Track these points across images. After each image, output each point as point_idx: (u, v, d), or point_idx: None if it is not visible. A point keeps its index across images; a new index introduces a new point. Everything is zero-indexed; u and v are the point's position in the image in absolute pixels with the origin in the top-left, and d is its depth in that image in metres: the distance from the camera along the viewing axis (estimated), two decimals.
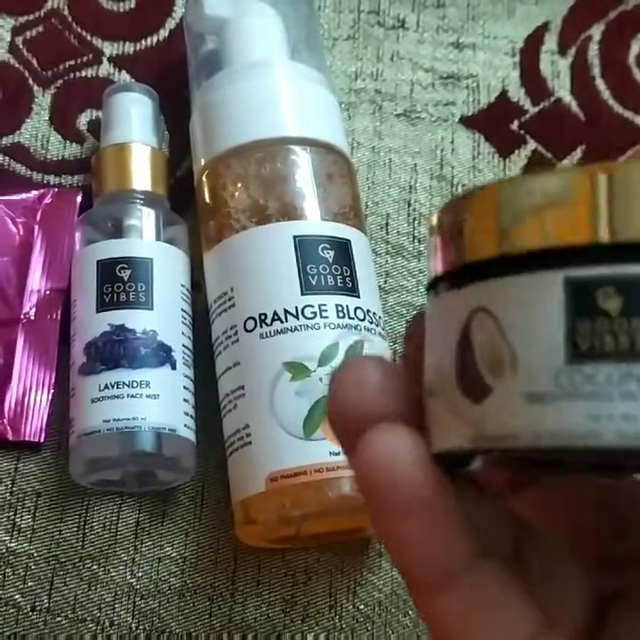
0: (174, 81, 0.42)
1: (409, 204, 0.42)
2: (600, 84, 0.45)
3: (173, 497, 0.36)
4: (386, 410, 0.18)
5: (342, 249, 0.35)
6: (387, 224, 0.41)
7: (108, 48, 0.43)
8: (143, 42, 0.44)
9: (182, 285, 0.37)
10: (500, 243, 0.17)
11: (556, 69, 0.45)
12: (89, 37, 0.44)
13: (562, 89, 0.45)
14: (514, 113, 0.44)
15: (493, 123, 0.44)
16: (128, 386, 0.34)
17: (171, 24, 0.44)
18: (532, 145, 0.43)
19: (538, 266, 0.17)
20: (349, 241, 0.35)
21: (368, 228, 0.41)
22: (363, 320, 0.34)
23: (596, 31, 0.46)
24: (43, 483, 0.36)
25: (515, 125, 0.44)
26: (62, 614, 0.35)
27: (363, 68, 0.45)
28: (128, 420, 0.33)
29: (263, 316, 0.33)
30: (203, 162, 0.37)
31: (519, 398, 0.17)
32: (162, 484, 0.36)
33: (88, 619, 0.35)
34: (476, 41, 0.45)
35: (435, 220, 0.19)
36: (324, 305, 0.33)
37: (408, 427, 0.18)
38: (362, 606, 0.36)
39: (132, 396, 0.33)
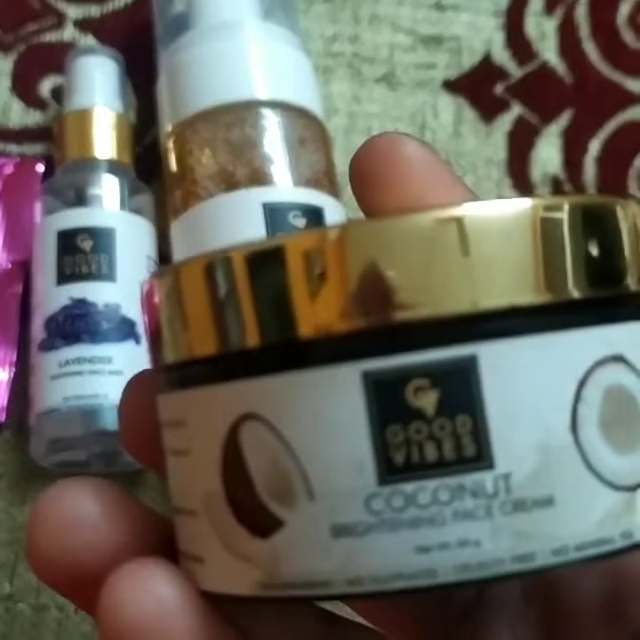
0: (143, 45, 0.40)
1: None
2: (588, 45, 0.43)
3: (141, 478, 0.35)
4: (113, 548, 0.14)
5: (314, 216, 0.33)
6: None
7: (73, 11, 0.42)
8: (110, 4, 0.42)
9: (148, 257, 0.35)
10: (271, 325, 0.13)
11: (542, 31, 0.43)
12: (52, 0, 0.42)
13: (548, 51, 0.43)
14: (498, 76, 0.42)
15: (477, 86, 0.42)
16: (89, 362, 0.32)
17: None
18: (516, 109, 0.42)
19: (324, 357, 0.13)
20: (322, 208, 0.33)
21: (345, 197, 0.39)
22: None
23: None
24: (4, 464, 0.34)
25: (499, 89, 0.42)
26: (25, 601, 0.33)
27: (340, 31, 0.43)
28: (89, 397, 0.32)
29: None
30: (169, 127, 0.35)
31: (322, 532, 0.13)
32: (129, 465, 0.34)
33: (51, 605, 0.33)
34: (458, 2, 0.44)
35: (166, 282, 0.14)
36: None
37: (162, 562, 0.14)
38: None
39: (94, 373, 0.32)
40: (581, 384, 0.13)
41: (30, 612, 0.33)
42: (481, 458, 0.13)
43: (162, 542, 0.15)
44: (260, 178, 0.33)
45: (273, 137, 0.34)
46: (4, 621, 0.33)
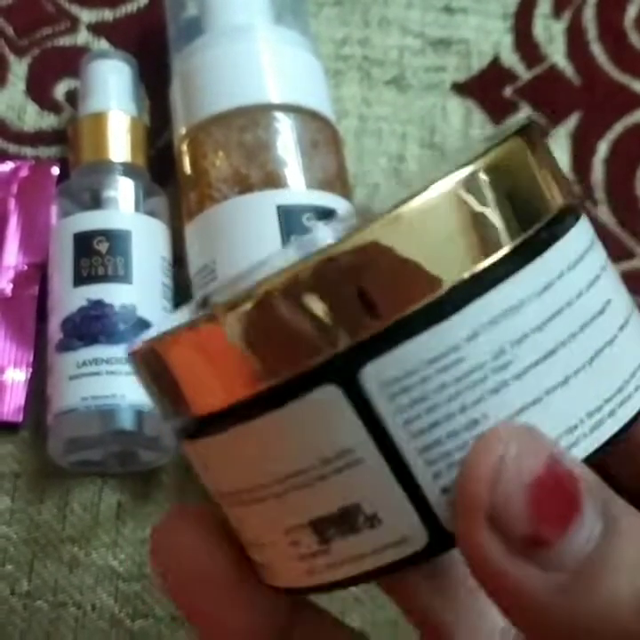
0: (156, 49, 0.41)
1: (399, 174, 0.41)
2: (596, 48, 0.44)
3: (156, 478, 0.35)
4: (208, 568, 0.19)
5: (327, 218, 0.34)
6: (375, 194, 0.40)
7: (87, 15, 0.42)
8: (123, 8, 0.42)
9: (163, 258, 0.35)
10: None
11: (550, 34, 0.44)
12: (66, 5, 0.42)
13: (556, 54, 0.43)
14: (507, 79, 0.43)
15: (486, 89, 0.42)
16: (106, 362, 0.32)
17: None
18: (525, 111, 0.42)
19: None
20: (335, 210, 0.34)
21: (356, 198, 0.39)
22: None
23: None
24: (21, 464, 0.35)
25: (508, 92, 0.42)
26: (42, 598, 0.33)
27: (350, 34, 0.43)
28: (107, 397, 0.32)
29: None
30: (183, 130, 0.36)
31: None
32: (144, 464, 0.34)
33: (69, 603, 0.33)
34: (467, 5, 0.44)
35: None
36: None
37: (201, 517, 0.20)
38: (353, 588, 0.34)
39: (111, 373, 0.32)
40: None
41: (48, 609, 0.33)
42: None
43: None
44: (273, 180, 0.34)
45: (286, 140, 0.35)
46: (22, 618, 0.33)
